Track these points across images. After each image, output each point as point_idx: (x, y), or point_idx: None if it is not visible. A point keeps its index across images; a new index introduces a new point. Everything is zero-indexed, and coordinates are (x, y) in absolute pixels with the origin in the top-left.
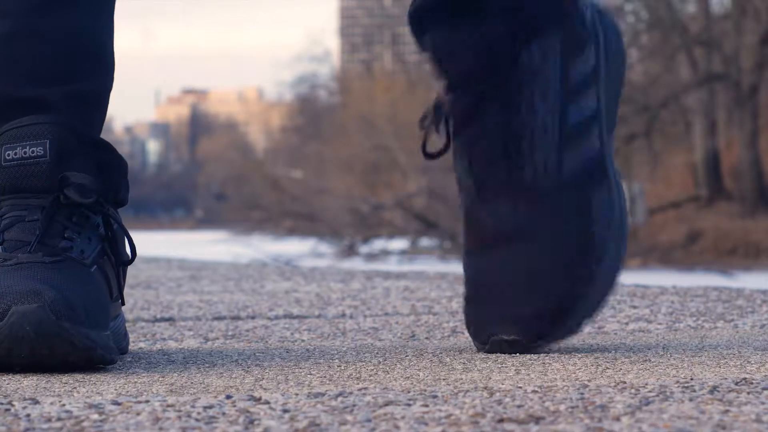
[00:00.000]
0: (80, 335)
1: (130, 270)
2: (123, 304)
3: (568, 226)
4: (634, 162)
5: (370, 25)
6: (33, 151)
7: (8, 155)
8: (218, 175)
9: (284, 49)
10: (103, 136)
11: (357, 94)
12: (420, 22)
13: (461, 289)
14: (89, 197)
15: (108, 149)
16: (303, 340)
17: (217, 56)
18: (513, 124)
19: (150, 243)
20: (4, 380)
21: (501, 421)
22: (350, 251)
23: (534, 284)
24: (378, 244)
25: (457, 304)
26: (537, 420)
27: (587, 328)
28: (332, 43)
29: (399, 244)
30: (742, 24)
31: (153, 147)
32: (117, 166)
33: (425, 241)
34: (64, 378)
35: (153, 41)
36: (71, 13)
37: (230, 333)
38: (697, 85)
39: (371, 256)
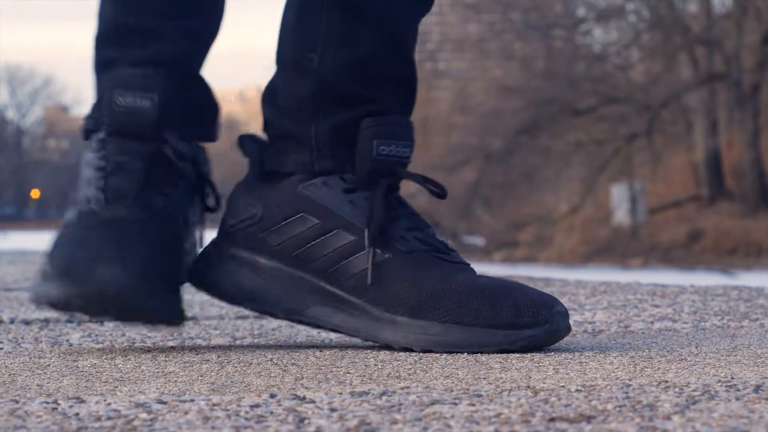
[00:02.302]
0: (150, 303)
1: None
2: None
3: None
4: (635, 161)
5: None
6: (142, 103)
7: (119, 101)
8: (218, 174)
9: None
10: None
11: None
12: None
13: None
14: (184, 161)
15: (206, 91)
16: (331, 339)
17: (218, 55)
18: None
19: None
20: (44, 379)
21: (552, 420)
22: None
23: None
24: None
25: None
26: (588, 419)
27: (614, 328)
28: None
29: None
30: (744, 23)
31: None
32: (211, 108)
33: None
34: (103, 376)
35: None
36: None
37: (257, 332)
38: (698, 84)
39: None
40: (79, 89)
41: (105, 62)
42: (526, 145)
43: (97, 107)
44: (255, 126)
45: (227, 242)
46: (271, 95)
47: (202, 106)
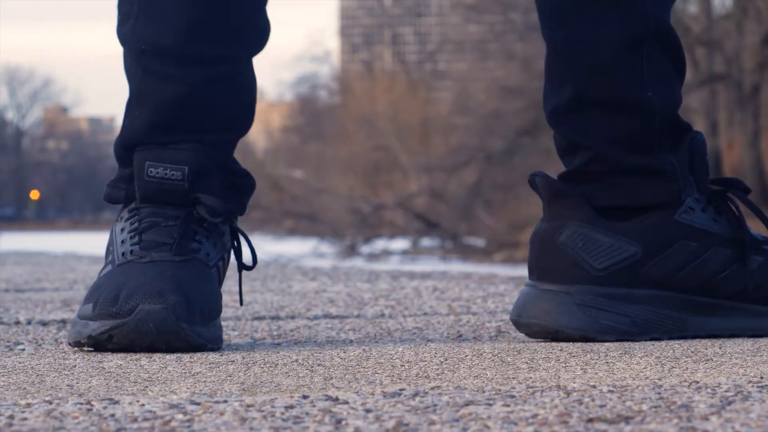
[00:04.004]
0: (194, 334)
1: None
2: (241, 304)
3: None
4: None
5: (371, 25)
6: (173, 174)
7: (151, 171)
8: None
9: (284, 49)
10: (104, 135)
11: (357, 94)
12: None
13: (491, 288)
14: (217, 218)
15: (241, 174)
16: (351, 340)
17: None
18: None
19: None
20: (73, 379)
21: (590, 420)
22: (351, 251)
23: None
24: (379, 244)
25: (493, 303)
26: (626, 420)
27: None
28: (332, 43)
29: (400, 244)
30: (744, 24)
31: None
32: (246, 189)
33: (426, 241)
34: (131, 377)
35: None
36: (232, 81)
37: (275, 333)
38: (698, 85)
39: (372, 256)
40: (78, 90)
41: (123, 160)
42: (527, 146)
43: (123, 179)
44: (254, 126)
45: (593, 286)
46: (587, 132)
47: (236, 186)
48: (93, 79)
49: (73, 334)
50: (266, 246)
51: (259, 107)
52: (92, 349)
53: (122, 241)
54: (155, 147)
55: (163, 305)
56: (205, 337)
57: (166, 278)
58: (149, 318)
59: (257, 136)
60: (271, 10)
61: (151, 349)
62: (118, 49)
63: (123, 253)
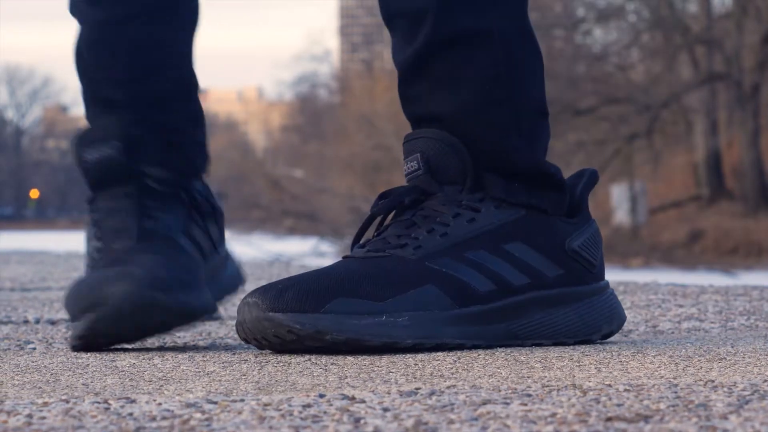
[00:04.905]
0: (172, 301)
1: None
2: (216, 251)
3: None
4: (635, 161)
5: (370, 24)
6: (106, 151)
7: (87, 157)
8: (218, 174)
9: (284, 48)
10: None
11: (357, 93)
12: None
13: None
14: (164, 185)
15: (178, 132)
16: None
17: (217, 55)
18: None
19: None
20: (88, 378)
21: (609, 419)
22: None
23: None
24: None
25: None
26: (645, 419)
27: (642, 327)
28: (332, 42)
29: None
30: (744, 23)
31: None
32: (190, 143)
33: None
34: (146, 376)
35: None
36: (144, 25)
37: None
38: (698, 84)
39: None
40: (78, 89)
41: None
42: None
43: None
44: (254, 126)
45: None
46: None
47: (176, 143)
48: None
49: (69, 339)
50: (266, 245)
51: (259, 107)
52: (86, 348)
53: (89, 239)
54: (84, 135)
55: (130, 281)
56: (192, 305)
57: (128, 264)
58: (123, 298)
59: (257, 136)
60: (272, 10)
61: (140, 331)
62: None
63: (91, 256)
